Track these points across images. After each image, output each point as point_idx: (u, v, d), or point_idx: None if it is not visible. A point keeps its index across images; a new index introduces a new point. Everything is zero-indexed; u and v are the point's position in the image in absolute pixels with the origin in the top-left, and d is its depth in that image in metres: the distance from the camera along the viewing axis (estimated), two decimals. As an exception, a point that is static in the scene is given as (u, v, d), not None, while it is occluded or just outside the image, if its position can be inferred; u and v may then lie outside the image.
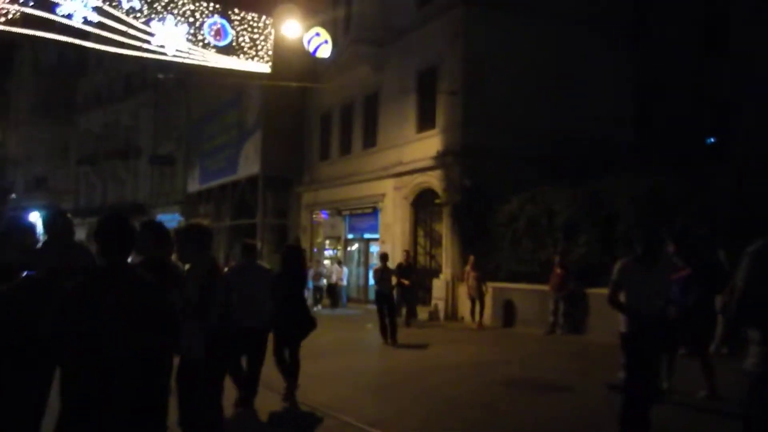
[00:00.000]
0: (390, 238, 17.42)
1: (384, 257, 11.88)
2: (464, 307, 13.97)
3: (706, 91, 15.83)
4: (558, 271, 11.63)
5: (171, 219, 30.84)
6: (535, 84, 14.83)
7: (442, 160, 15.22)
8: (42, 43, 30.13)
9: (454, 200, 14.72)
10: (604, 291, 10.82)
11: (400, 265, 12.75)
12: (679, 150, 13.54)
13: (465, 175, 14.45)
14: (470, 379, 7.75)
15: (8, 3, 12.67)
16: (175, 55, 14.34)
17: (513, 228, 13.17)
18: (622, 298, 4.51)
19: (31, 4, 12.91)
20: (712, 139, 17.06)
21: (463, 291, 13.83)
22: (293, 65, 18.73)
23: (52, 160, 42.76)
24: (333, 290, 18.12)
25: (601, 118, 14.96)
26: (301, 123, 22.24)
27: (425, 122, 16.36)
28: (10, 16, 12.89)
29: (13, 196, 43.71)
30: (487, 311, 13.19)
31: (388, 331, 10.54)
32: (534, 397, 6.79)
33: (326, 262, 19.80)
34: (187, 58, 14.77)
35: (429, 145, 15.82)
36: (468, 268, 13.19)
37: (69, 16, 13.32)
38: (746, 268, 2.74)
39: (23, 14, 13.13)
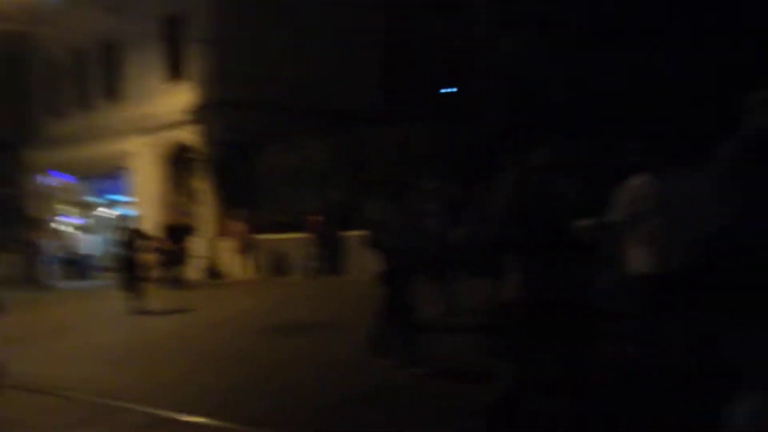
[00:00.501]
0: (144, 200, 16.01)
1: (123, 220, 11.08)
2: (230, 263, 13.61)
3: (444, 47, 17.34)
4: (316, 217, 11.99)
5: None
6: (289, 34, 14.57)
7: (197, 113, 14.31)
8: None
9: (213, 155, 14.06)
10: (360, 233, 11.54)
11: (167, 227, 12.12)
12: (424, 104, 14.72)
13: (222, 128, 13.82)
14: (230, 331, 7.67)
15: None
16: None
17: (273, 179, 13.12)
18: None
19: None
20: (447, 89, 18.79)
21: (227, 247, 13.47)
22: (6, 7, 15.63)
23: None
24: (78, 262, 16.32)
25: (354, 70, 15.34)
26: (22, 74, 18.87)
27: (176, 73, 15.14)
28: None
29: None
30: (256, 264, 13.08)
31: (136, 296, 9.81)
32: (288, 338, 6.95)
33: (69, 230, 17.55)
34: None
35: (181, 96, 14.70)
36: (233, 222, 12.91)
37: None
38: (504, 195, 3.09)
39: None
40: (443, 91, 16.20)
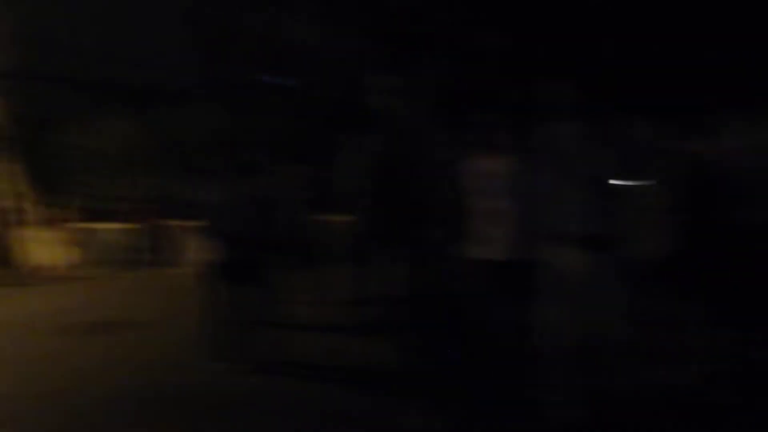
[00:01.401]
0: None
1: None
2: (45, 254, 12.11)
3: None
4: (140, 205, 11.19)
5: None
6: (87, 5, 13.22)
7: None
8: None
9: (7, 133, 12.37)
10: (186, 223, 11.01)
11: None
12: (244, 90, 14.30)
13: (13, 100, 12.20)
14: (31, 332, 6.80)
15: None
16: None
17: (79, 161, 11.97)
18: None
19: None
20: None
21: (42, 236, 12.01)
22: None
23: None
24: None
25: (165, 47, 14.29)
26: None
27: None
28: None
29: None
30: (74, 255, 11.91)
31: None
32: (101, 339, 6.37)
33: None
34: None
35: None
36: (50, 209, 11.64)
37: None
38: None
39: None
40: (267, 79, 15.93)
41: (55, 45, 12.45)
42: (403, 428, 3.40)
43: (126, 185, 11.67)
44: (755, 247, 3.12)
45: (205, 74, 15.35)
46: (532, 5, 6.92)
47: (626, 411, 3.16)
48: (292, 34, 10.34)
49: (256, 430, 3.71)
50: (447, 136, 5.42)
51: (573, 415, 2.95)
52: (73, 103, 12.03)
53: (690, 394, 3.47)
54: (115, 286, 10.05)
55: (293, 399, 4.13)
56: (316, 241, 7.12)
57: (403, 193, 4.53)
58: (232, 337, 4.76)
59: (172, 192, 11.26)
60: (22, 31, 12.33)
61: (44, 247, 11.92)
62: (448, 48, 7.44)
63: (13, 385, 4.88)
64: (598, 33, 6.48)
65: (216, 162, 5.35)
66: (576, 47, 6.32)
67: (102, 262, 11.89)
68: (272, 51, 15.00)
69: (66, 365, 5.38)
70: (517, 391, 3.48)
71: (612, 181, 3.05)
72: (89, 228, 12.00)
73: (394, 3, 7.96)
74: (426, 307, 3.19)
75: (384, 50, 7.90)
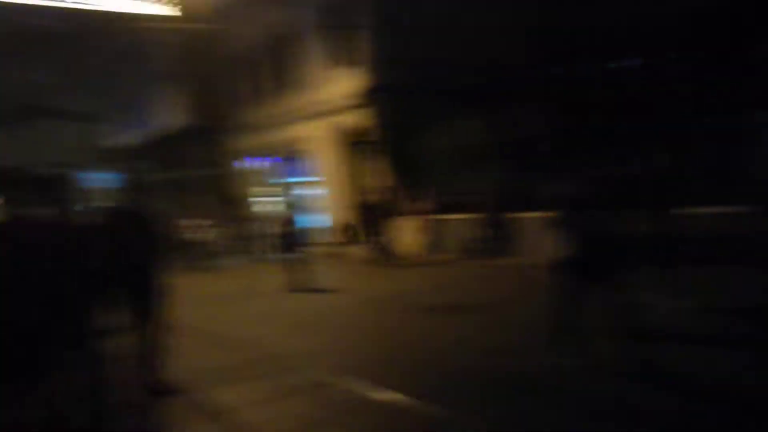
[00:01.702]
0: (326, 179, 17.29)
1: (291, 200, 12.00)
2: (409, 243, 13.84)
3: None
4: (484, 198, 11.93)
5: (105, 177, 29.64)
6: (451, 10, 14.40)
7: (364, 97, 14.98)
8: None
9: (379, 138, 14.65)
10: (527, 215, 11.19)
11: (362, 206, 12.93)
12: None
13: (387, 111, 14.31)
14: (396, 309, 7.94)
15: None
16: (74, 2, 13.25)
17: (437, 160, 13.33)
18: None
19: None
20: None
21: (406, 226, 13.79)
22: (201, 8, 17.74)
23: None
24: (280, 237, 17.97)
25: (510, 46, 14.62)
26: (223, 68, 21.29)
27: (343, 59, 15.97)
28: None
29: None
30: (430, 244, 13.38)
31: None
32: (456, 318, 7.02)
33: (266, 209, 19.52)
34: (85, 4, 13.67)
35: (351, 81, 15.49)
36: (415, 202, 13.34)
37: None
38: None
39: None
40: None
41: (416, 58, 14.09)
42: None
43: (475, 179, 12.58)
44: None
45: (548, 68, 15.38)
46: None
47: None
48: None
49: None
50: None
51: None
52: (432, 109, 13.46)
53: None
54: (462, 272, 10.96)
55: (641, 408, 3.82)
56: (679, 239, 6.41)
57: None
58: (578, 333, 4.61)
59: (519, 185, 11.67)
60: (391, 49, 14.43)
61: (408, 235, 13.66)
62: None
63: (385, 352, 5.81)
64: None
65: (565, 156, 5.24)
66: None
67: (452, 250, 13.01)
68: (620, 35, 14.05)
69: (426, 340, 6.14)
70: None
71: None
72: (442, 219, 13.32)
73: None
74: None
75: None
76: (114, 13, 15.83)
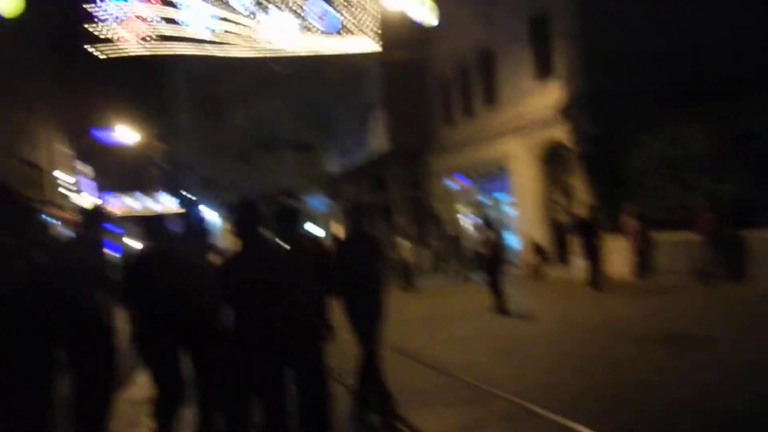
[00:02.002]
0: (522, 198, 17.00)
1: (490, 219, 11.64)
2: (613, 262, 12.51)
3: None
4: (706, 214, 10.57)
5: (318, 201, 32.91)
6: (658, 9, 13.22)
7: (565, 109, 14.43)
8: (186, 56, 33.20)
9: (583, 151, 13.92)
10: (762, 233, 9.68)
11: (580, 222, 12.27)
12: None
13: (592, 122, 13.57)
14: (603, 337, 7.45)
15: (143, 29, 14.36)
16: (286, 47, 15.07)
17: (651, 173, 12.17)
18: None
19: (162, 24, 14.46)
20: None
21: (615, 246, 12.51)
22: (403, 36, 18.75)
23: (213, 160, 47.44)
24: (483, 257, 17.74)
25: (741, 31, 12.83)
26: (423, 92, 22.24)
27: (543, 71, 15.59)
28: (148, 38, 14.61)
29: (188, 195, 49.57)
30: (644, 265, 12.14)
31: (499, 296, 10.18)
32: (668, 351, 6.37)
33: (469, 228, 19.80)
34: (297, 47, 15.44)
35: (550, 94, 15.05)
36: (627, 218, 12.23)
37: (187, 25, 14.72)
38: None
39: (159, 34, 14.80)
40: None
41: (621, 62, 13.12)
42: None
43: (690, 193, 11.23)
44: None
45: None
46: None
47: None
48: None
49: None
50: None
51: None
52: (645, 114, 12.38)
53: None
54: (680, 299, 9.85)
55: None
56: None
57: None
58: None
59: (746, 198, 10.18)
60: (591, 56, 13.72)
61: (614, 255, 12.42)
62: None
63: (584, 383, 5.51)
64: None
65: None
66: None
67: (667, 273, 11.71)
68: None
69: (632, 374, 5.69)
70: None
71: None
72: (655, 238, 12.12)
73: None
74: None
75: None
76: (325, 54, 17.56)
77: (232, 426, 3.56)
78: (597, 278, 11.67)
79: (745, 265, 10.18)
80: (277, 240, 4.39)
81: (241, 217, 3.60)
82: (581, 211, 13.26)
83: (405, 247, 16.34)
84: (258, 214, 3.65)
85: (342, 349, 4.90)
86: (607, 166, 13.33)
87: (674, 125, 11.63)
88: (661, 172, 12.03)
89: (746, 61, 11.81)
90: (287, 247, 4.34)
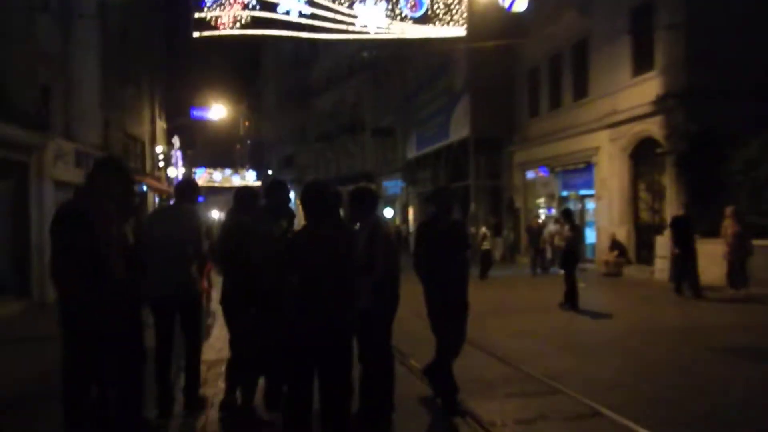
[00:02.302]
0: (606, 194, 16.38)
1: (568, 213, 10.95)
2: (704, 267, 11.34)
3: None
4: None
5: (394, 185, 33.13)
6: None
7: (662, 104, 13.70)
8: (279, 40, 34.21)
9: (679, 149, 13.18)
10: None
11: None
12: None
13: (690, 119, 12.82)
14: (674, 342, 7.15)
15: (239, 10, 14.95)
16: (377, 33, 15.18)
17: (752, 176, 11.36)
18: None
19: (257, 6, 14.99)
20: None
21: (711, 250, 11.40)
22: (493, 24, 18.37)
23: (296, 140, 48.79)
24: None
25: None
26: (509, 82, 21.78)
27: (641, 64, 14.83)
28: (243, 21, 15.20)
29: (270, 172, 51.26)
30: (727, 274, 11.02)
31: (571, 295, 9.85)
32: (743, 363, 6.04)
33: (549, 222, 19.39)
34: (388, 33, 15.51)
35: (647, 89, 14.33)
36: (727, 221, 10.88)
37: (287, 13, 15.16)
38: None
39: (252, 18, 15.37)
40: None
41: (729, 59, 12.35)
42: None
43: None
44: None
45: None
46: None
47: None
48: None
49: None
50: None
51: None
52: (744, 117, 11.65)
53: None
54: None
55: None
56: None
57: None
58: None
59: None
60: (693, 50, 12.95)
61: (705, 259, 11.74)
62: None
63: (649, 386, 5.34)
64: None
65: None
66: None
67: (762, 283, 10.95)
68: None
69: (701, 381, 5.46)
70: None
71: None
72: (752, 244, 11.28)
73: None
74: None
75: None
76: (410, 39, 17.54)
77: (293, 395, 3.74)
78: (690, 282, 10.81)
79: None
80: (347, 221, 4.54)
81: (308, 197, 3.73)
82: (678, 209, 12.39)
83: (484, 235, 16.16)
84: (323, 196, 3.75)
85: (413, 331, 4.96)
86: (704, 166, 12.55)
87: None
88: (761, 175, 11.20)
89: None
90: (356, 227, 4.49)
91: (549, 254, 16.98)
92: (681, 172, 13.21)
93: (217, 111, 39.09)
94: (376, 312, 4.27)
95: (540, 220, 18.88)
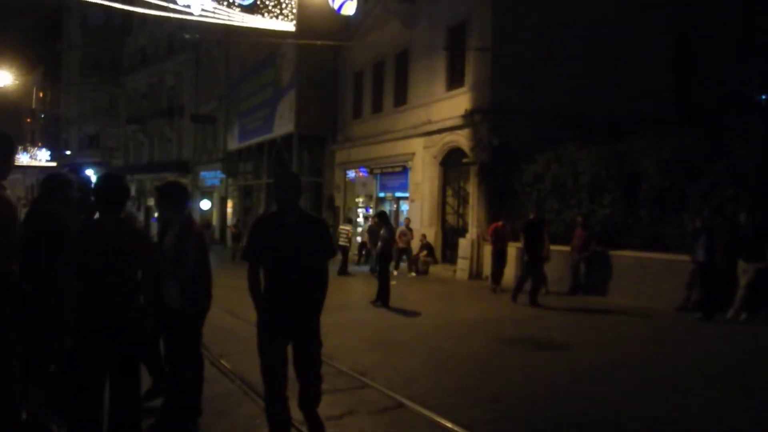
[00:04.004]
0: (419, 197, 17.48)
1: (383, 214, 11.78)
2: (489, 266, 13.77)
3: (753, 42, 14.94)
4: (580, 232, 11.48)
5: (213, 176, 31.73)
6: (566, 39, 14.32)
7: (470, 118, 15.02)
8: (87, 5, 30.73)
9: (482, 159, 14.58)
10: (628, 253, 10.74)
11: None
12: (717, 106, 12.92)
13: (492, 133, 14.25)
14: (475, 336, 7.91)
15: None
16: (200, 15, 14.48)
17: (538, 188, 12.99)
18: None
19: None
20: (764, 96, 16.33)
21: (488, 250, 13.69)
22: (323, 23, 18.58)
23: (103, 119, 44.26)
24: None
25: (635, 74, 14.60)
26: (335, 81, 22.19)
27: (454, 80, 16.09)
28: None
29: (68, 152, 45.74)
30: (509, 271, 12.72)
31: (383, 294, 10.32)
32: (529, 354, 6.91)
33: (362, 220, 20.01)
34: (212, 17, 14.87)
35: (458, 103, 15.59)
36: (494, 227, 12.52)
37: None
38: None
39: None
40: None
41: (529, 80, 13.99)
42: None
43: (574, 211, 12.12)
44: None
45: (681, 99, 14.91)
46: None
47: None
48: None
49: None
50: None
51: None
52: (537, 134, 13.25)
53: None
54: (549, 306, 10.64)
55: None
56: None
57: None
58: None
59: (616, 221, 11.19)
60: (500, 70, 14.42)
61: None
62: None
63: (470, 385, 5.82)
64: None
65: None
66: None
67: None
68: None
69: (491, 369, 6.11)
70: None
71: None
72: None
73: None
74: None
75: None
76: (236, 27, 16.96)
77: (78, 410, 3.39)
78: (532, 288, 10.48)
79: (608, 281, 11.18)
80: (134, 214, 4.23)
81: (100, 190, 3.43)
82: (529, 213, 13.29)
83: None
84: (117, 190, 3.44)
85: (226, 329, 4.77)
86: (501, 176, 14.06)
87: (564, 147, 12.49)
88: (545, 187, 12.84)
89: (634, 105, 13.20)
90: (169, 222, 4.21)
91: (362, 253, 17.75)
92: (482, 181, 14.63)
93: (3, 76, 33.83)
94: (184, 311, 4.06)
95: (356, 220, 19.55)
